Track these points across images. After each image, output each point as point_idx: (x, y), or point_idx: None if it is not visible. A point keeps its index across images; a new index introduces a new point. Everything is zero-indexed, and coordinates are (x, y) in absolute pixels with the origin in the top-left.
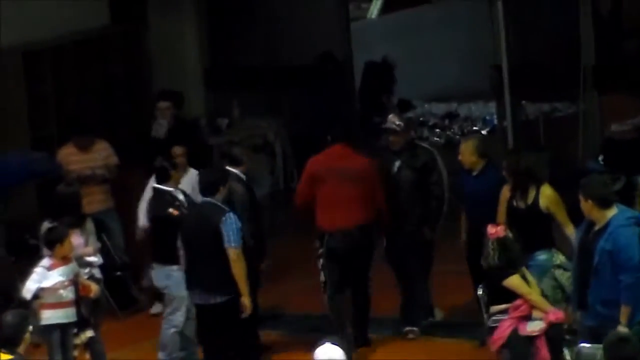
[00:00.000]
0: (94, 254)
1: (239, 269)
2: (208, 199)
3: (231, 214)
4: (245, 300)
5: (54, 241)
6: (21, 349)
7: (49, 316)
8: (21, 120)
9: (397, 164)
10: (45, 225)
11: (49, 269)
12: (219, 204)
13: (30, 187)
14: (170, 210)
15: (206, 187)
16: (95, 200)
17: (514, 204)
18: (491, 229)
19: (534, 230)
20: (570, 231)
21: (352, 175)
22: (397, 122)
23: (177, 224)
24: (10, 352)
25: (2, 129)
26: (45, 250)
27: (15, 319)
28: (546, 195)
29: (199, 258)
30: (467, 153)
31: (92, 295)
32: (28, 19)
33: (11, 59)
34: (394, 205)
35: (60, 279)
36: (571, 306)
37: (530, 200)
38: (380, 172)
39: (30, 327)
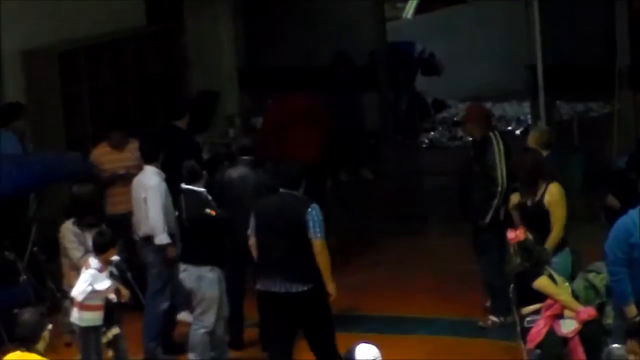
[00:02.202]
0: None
1: (324, 259)
2: (290, 191)
3: (315, 205)
4: (331, 288)
5: (106, 245)
6: (40, 346)
7: (91, 318)
8: (57, 120)
9: (471, 153)
10: (67, 226)
11: (100, 271)
12: (301, 196)
13: (64, 187)
14: (208, 210)
15: (288, 181)
16: (128, 200)
17: (526, 202)
18: (511, 234)
19: (542, 228)
20: (553, 234)
21: None
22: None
23: (213, 224)
24: (28, 350)
25: (38, 129)
26: (73, 252)
27: (33, 317)
28: (550, 192)
29: (278, 247)
30: (533, 143)
31: (123, 300)
32: (64, 19)
33: (47, 59)
34: (463, 195)
35: (110, 282)
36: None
37: (537, 197)
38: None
39: (50, 326)
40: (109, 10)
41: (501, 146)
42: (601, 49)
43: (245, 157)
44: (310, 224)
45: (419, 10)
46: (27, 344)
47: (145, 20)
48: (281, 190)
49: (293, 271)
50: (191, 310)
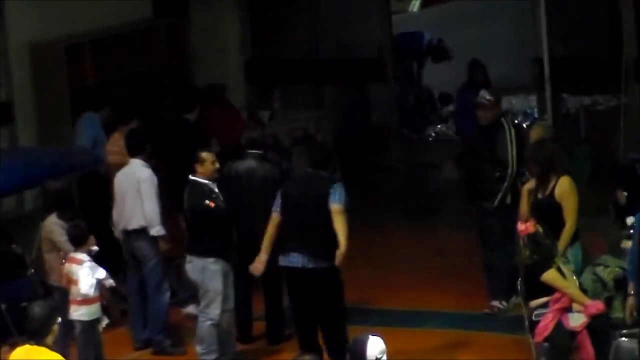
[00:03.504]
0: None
1: (340, 220)
2: (318, 171)
3: (340, 184)
4: (343, 247)
5: (85, 236)
6: (49, 340)
7: (95, 310)
8: (63, 114)
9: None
10: (53, 220)
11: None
12: (329, 175)
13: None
14: (207, 202)
15: (319, 161)
16: None
17: (537, 195)
18: (521, 226)
19: (554, 221)
20: (567, 227)
21: None
22: (488, 97)
23: (214, 216)
24: (37, 343)
25: (44, 122)
26: (65, 244)
27: (43, 311)
28: (561, 185)
29: (302, 224)
30: (536, 137)
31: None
32: (70, 12)
33: (54, 52)
34: (470, 180)
35: (104, 270)
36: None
37: (548, 190)
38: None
39: (59, 319)
40: (115, 4)
41: (512, 131)
42: (608, 42)
43: (252, 151)
44: (332, 194)
45: (424, 3)
46: (37, 338)
47: (152, 13)
48: (309, 170)
49: (313, 248)
50: (198, 303)
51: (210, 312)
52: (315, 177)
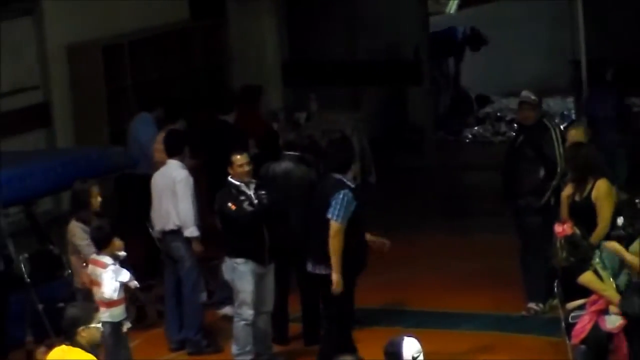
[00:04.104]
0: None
1: (335, 243)
2: (338, 175)
3: (347, 191)
4: (335, 276)
5: (108, 238)
6: (84, 341)
7: (120, 312)
8: (101, 115)
9: (521, 138)
10: (75, 223)
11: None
12: (346, 180)
13: (109, 181)
14: (229, 204)
15: (338, 166)
16: None
17: (574, 197)
18: (558, 228)
19: (590, 224)
20: (599, 228)
21: None
22: (533, 97)
23: (235, 219)
24: (72, 344)
25: (82, 122)
26: (86, 248)
27: (78, 312)
28: (598, 188)
29: (314, 229)
30: (577, 138)
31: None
32: (108, 14)
33: (92, 53)
34: (511, 180)
35: (128, 273)
36: None
37: (585, 193)
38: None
39: (100, 324)
40: (153, 6)
41: (558, 131)
42: None
43: (289, 153)
44: (333, 205)
45: (462, 5)
46: (71, 339)
47: (189, 15)
48: (330, 174)
49: (320, 253)
50: (233, 304)
51: (243, 312)
52: (332, 181)
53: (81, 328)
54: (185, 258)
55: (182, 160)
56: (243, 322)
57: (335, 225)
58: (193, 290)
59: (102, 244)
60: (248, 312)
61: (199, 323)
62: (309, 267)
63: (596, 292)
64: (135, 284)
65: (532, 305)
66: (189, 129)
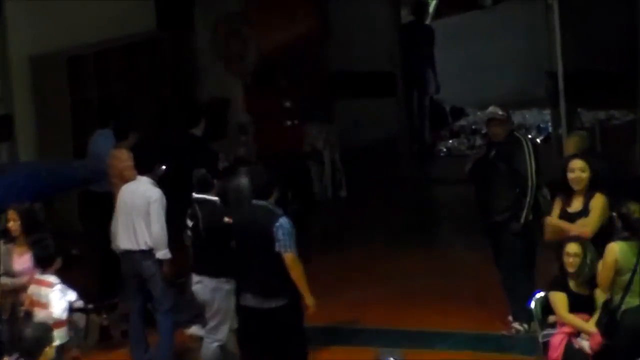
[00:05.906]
0: None
1: (297, 272)
2: (261, 202)
3: (284, 218)
4: (309, 300)
5: (52, 257)
6: None
7: (62, 335)
8: (65, 127)
9: (493, 153)
10: None
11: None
12: (271, 207)
13: (72, 196)
14: (227, 219)
15: (260, 190)
16: None
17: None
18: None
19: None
20: (585, 230)
21: None
22: (501, 112)
23: (230, 233)
24: None
25: (46, 135)
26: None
27: (35, 332)
28: (597, 199)
29: (253, 262)
30: (572, 148)
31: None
32: (72, 24)
33: (56, 64)
34: (484, 197)
35: (74, 291)
36: None
37: (582, 205)
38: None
39: (56, 342)
40: (118, 16)
41: (530, 144)
42: (623, 56)
43: (242, 167)
44: (279, 237)
45: (435, 16)
46: (29, 359)
47: (156, 25)
48: (253, 201)
49: (266, 286)
50: (203, 324)
51: (219, 333)
52: (260, 210)
53: (47, 348)
54: (157, 277)
55: (153, 178)
56: (216, 343)
57: (290, 256)
58: (168, 313)
59: (46, 263)
60: (225, 333)
61: (171, 345)
62: (252, 302)
63: (558, 316)
64: (80, 304)
65: (516, 325)
66: (157, 143)
